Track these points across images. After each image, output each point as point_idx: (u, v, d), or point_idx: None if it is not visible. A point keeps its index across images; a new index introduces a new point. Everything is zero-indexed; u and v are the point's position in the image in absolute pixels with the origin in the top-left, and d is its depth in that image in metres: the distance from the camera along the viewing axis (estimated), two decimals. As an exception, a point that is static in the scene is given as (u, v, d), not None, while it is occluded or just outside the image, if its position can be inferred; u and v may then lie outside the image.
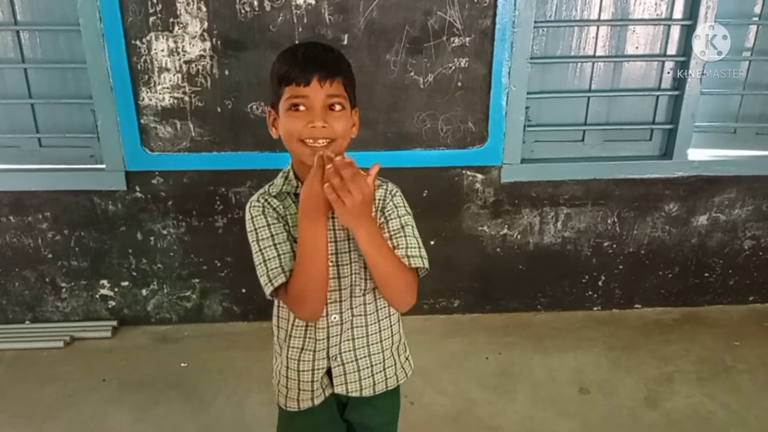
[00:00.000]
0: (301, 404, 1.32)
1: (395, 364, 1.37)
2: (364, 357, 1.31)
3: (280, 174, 1.30)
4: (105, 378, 2.43)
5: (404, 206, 1.29)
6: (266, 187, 1.29)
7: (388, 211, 1.26)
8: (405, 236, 1.24)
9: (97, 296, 2.74)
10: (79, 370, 2.48)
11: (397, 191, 1.30)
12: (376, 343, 1.33)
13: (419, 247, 1.25)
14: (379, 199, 1.27)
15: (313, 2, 2.32)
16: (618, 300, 2.91)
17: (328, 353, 1.29)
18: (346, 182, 1.04)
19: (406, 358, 1.42)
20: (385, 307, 1.32)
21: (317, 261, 1.15)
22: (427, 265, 1.24)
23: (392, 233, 1.24)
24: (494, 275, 2.82)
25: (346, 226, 1.18)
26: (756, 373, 2.44)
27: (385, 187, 1.29)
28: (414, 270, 1.24)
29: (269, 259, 1.19)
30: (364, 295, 1.28)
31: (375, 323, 1.31)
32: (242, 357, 2.55)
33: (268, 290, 1.19)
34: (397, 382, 1.38)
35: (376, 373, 1.33)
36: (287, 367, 1.31)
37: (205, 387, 2.38)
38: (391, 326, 1.35)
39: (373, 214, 1.24)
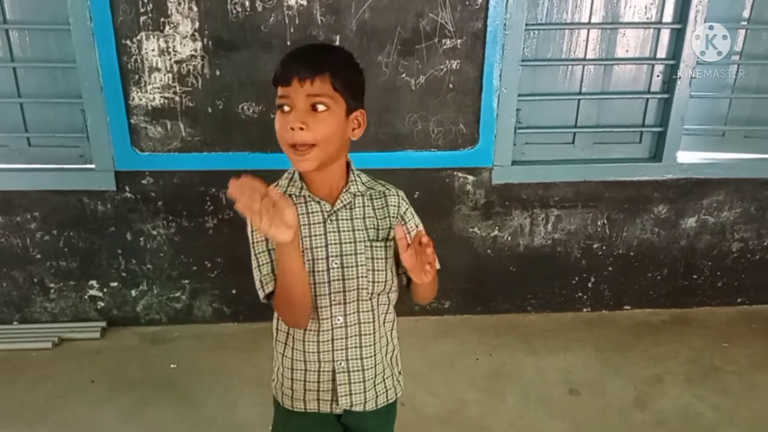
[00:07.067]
0: (308, 405, 1.31)
1: (392, 375, 1.36)
2: (371, 367, 1.30)
3: (285, 175, 1.28)
4: (94, 379, 2.41)
5: (413, 212, 1.34)
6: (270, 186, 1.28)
7: (407, 219, 1.32)
8: None
9: (86, 297, 2.72)
10: (68, 371, 2.46)
11: (403, 194, 1.33)
12: (379, 352, 1.31)
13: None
14: (395, 206, 1.30)
15: (305, 3, 2.32)
16: (607, 301, 2.93)
17: (333, 356, 1.27)
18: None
19: (399, 372, 1.41)
20: (383, 314, 1.31)
21: (291, 277, 1.11)
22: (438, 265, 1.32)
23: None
24: (485, 276, 2.83)
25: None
26: (744, 374, 2.46)
27: (395, 192, 1.32)
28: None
29: (262, 264, 1.20)
30: (370, 299, 1.26)
31: (378, 330, 1.30)
32: (233, 358, 2.55)
33: (261, 295, 1.21)
34: (395, 395, 1.38)
35: (378, 384, 1.32)
36: (292, 369, 1.30)
37: (195, 388, 2.37)
38: (386, 333, 1.34)
39: (389, 221, 1.29)
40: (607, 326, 2.82)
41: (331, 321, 1.25)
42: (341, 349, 1.27)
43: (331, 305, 1.24)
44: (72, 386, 2.37)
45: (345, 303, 1.25)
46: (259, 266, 1.20)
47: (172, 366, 2.51)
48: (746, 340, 2.71)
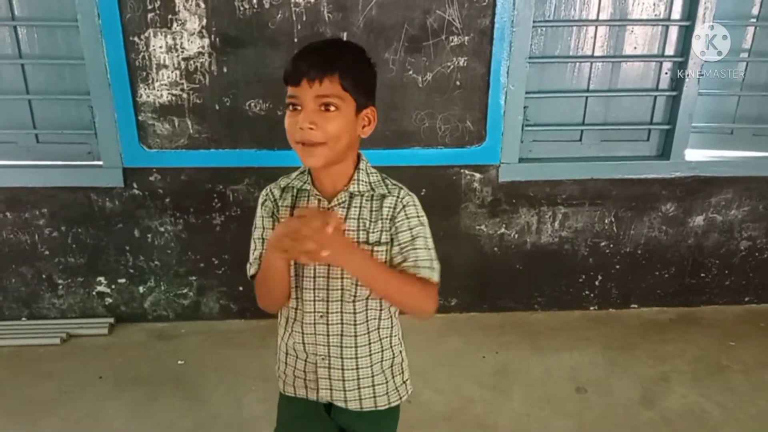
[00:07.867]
0: (297, 390, 1.35)
1: (386, 383, 1.33)
2: (352, 369, 1.29)
3: (300, 168, 1.30)
4: (101, 375, 2.43)
5: (417, 216, 1.24)
6: (281, 177, 1.32)
7: (398, 222, 1.23)
8: (415, 249, 1.22)
9: (94, 293, 2.73)
10: (75, 367, 2.47)
11: (409, 200, 1.25)
12: (366, 356, 1.29)
13: (430, 259, 1.24)
14: (389, 208, 1.23)
15: (312, 0, 2.32)
16: (614, 300, 2.92)
17: (315, 349, 1.29)
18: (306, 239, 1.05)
19: (403, 381, 1.37)
20: (375, 319, 1.29)
21: (277, 282, 1.23)
22: (435, 278, 1.23)
23: (402, 246, 1.23)
24: (491, 274, 2.83)
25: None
26: (751, 373, 2.45)
27: (396, 194, 1.25)
28: (425, 279, 1.22)
29: (254, 249, 1.29)
30: (353, 302, 1.25)
31: (365, 335, 1.28)
32: (239, 354, 2.55)
33: (248, 274, 1.31)
34: (388, 403, 1.34)
35: (363, 388, 1.31)
36: (286, 353, 1.35)
37: (202, 384, 2.38)
38: (380, 340, 1.31)
39: (381, 223, 1.23)
40: (614, 324, 2.81)
41: (314, 315, 1.26)
42: (323, 345, 1.28)
43: (314, 301, 1.25)
44: (79, 382, 2.38)
45: (328, 301, 1.25)
46: (253, 249, 1.30)
47: (178, 362, 2.52)
48: (753, 338, 2.69)
